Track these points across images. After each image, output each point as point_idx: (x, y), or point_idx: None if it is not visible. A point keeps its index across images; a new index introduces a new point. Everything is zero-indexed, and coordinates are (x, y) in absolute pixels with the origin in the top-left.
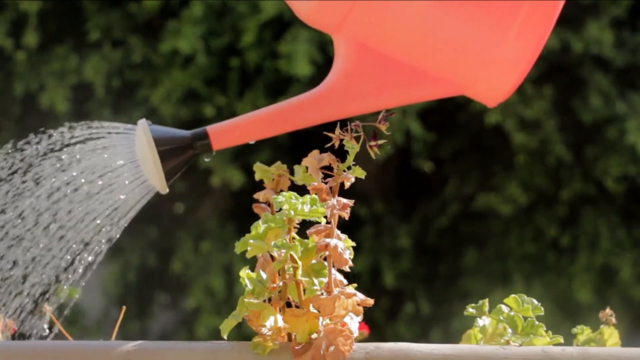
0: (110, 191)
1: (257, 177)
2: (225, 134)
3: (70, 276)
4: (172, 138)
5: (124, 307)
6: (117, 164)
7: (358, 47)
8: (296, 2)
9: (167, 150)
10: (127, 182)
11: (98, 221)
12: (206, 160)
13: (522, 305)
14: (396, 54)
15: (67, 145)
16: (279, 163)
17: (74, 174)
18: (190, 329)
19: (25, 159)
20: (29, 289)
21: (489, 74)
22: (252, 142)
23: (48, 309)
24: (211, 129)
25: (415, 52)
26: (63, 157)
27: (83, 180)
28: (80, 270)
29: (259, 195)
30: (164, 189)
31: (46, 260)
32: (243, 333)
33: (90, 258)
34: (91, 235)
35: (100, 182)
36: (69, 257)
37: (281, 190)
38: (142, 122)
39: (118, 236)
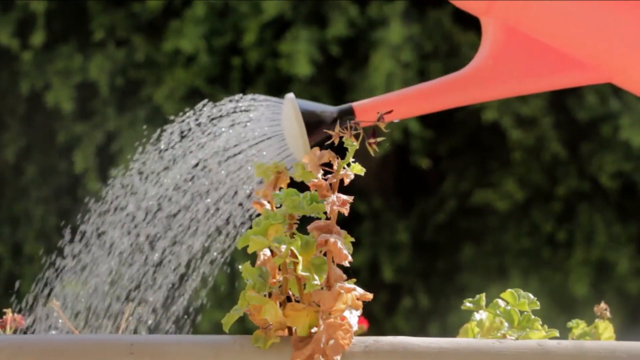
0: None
1: (257, 174)
2: (370, 110)
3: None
4: (319, 112)
5: (130, 304)
6: (263, 137)
7: (507, 30)
8: None
9: (313, 124)
10: (272, 154)
11: (244, 192)
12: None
13: (518, 299)
14: (546, 39)
15: (217, 117)
16: (278, 160)
17: (221, 145)
18: (193, 323)
19: (190, 126)
20: (186, 248)
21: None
22: (396, 120)
23: (56, 304)
24: (356, 105)
25: (567, 38)
26: (213, 127)
27: (230, 152)
28: (232, 233)
29: (259, 192)
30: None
31: (195, 228)
32: (245, 327)
33: (233, 230)
34: (235, 205)
35: (246, 154)
36: (217, 223)
37: (280, 188)
38: (291, 96)
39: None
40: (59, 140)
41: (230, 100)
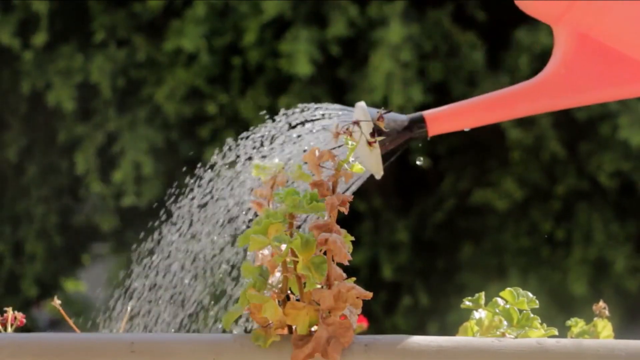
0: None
1: (255, 174)
2: (442, 120)
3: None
4: (390, 121)
5: (131, 304)
6: (332, 145)
7: (580, 38)
8: None
9: (385, 133)
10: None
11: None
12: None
13: (517, 298)
14: (621, 47)
15: (291, 127)
16: (276, 160)
17: (292, 152)
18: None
19: (269, 131)
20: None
21: None
22: (466, 129)
23: (57, 302)
24: (428, 114)
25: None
26: (287, 136)
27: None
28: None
29: (257, 192)
30: (379, 172)
31: None
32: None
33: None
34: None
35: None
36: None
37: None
38: (362, 105)
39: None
40: (60, 139)
41: (302, 110)
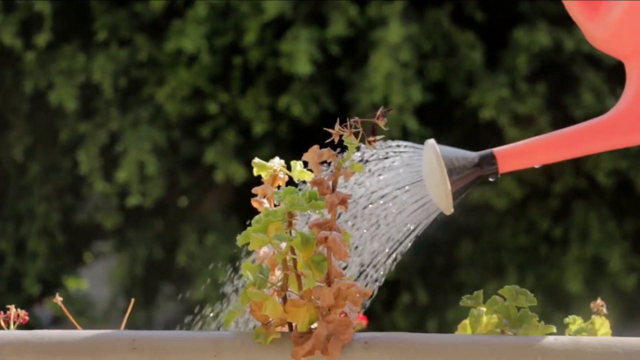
0: (399, 211)
1: (256, 172)
2: (513, 157)
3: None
4: (460, 158)
5: (133, 299)
6: (404, 183)
7: None
8: (589, 25)
9: (455, 170)
10: (413, 201)
11: (385, 238)
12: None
13: (516, 296)
14: None
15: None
16: (276, 159)
17: (366, 190)
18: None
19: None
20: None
21: None
22: (537, 166)
23: (58, 299)
24: (498, 152)
25: None
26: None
27: (375, 195)
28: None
29: (257, 190)
30: (449, 209)
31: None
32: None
33: (376, 275)
34: (379, 250)
35: (388, 200)
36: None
37: (278, 186)
38: (432, 142)
39: (402, 253)
40: (62, 138)
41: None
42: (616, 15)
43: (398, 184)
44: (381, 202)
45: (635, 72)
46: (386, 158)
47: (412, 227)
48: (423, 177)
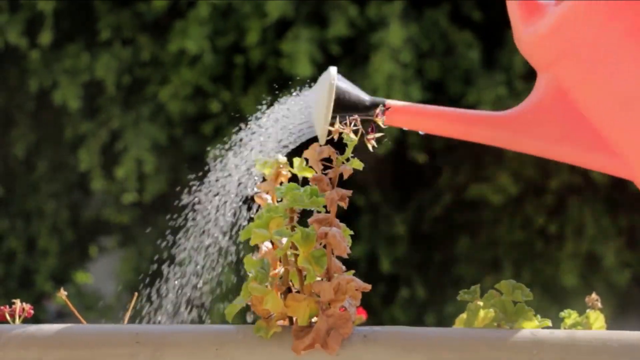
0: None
1: (258, 169)
2: (402, 113)
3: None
4: (353, 94)
5: (136, 293)
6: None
7: (557, 93)
8: (522, 28)
9: (343, 102)
10: (296, 114)
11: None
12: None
13: (512, 290)
14: (591, 115)
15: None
16: (279, 156)
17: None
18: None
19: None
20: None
21: None
22: (421, 132)
23: (63, 293)
24: (391, 103)
25: (610, 121)
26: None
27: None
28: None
29: (261, 187)
30: (323, 138)
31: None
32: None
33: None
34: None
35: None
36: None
37: (281, 182)
38: (334, 69)
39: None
40: (66, 136)
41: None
42: (549, 22)
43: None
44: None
45: (543, 83)
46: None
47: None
48: (314, 99)
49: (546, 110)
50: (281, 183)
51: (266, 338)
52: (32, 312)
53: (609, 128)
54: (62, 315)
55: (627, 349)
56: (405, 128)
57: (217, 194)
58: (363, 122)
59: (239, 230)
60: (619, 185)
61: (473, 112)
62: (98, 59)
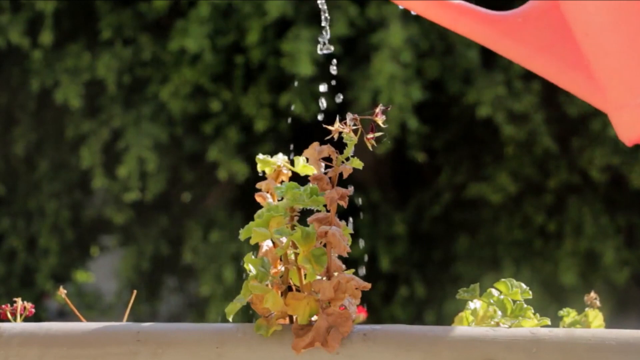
0: None
1: (259, 168)
2: None
3: None
4: None
5: (135, 291)
6: None
7: (551, 4)
8: None
9: None
10: None
11: None
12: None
13: (511, 289)
14: (577, 30)
15: None
16: (280, 154)
17: None
18: (201, 314)
19: None
20: None
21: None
22: (414, 13)
23: (63, 292)
24: None
25: (594, 39)
26: None
27: None
28: None
29: (261, 185)
30: None
31: None
32: (250, 318)
33: None
34: None
35: None
36: None
37: (282, 181)
38: None
39: None
40: (68, 136)
41: None
42: None
43: None
44: None
45: None
46: None
47: None
48: None
49: (537, 17)
50: (282, 182)
51: (266, 336)
52: (33, 310)
53: (593, 47)
54: (63, 314)
55: (625, 347)
56: (399, 5)
57: None
58: (363, 121)
59: None
60: (618, 184)
61: (468, 4)
62: (99, 59)
